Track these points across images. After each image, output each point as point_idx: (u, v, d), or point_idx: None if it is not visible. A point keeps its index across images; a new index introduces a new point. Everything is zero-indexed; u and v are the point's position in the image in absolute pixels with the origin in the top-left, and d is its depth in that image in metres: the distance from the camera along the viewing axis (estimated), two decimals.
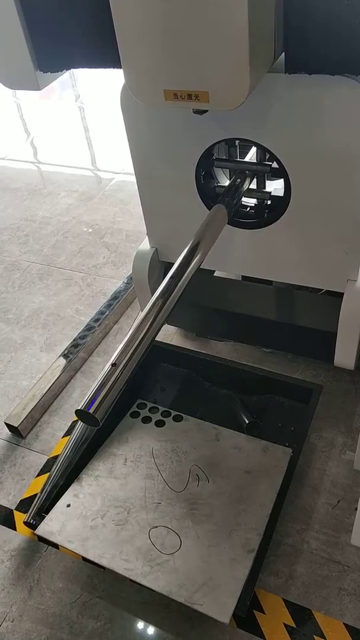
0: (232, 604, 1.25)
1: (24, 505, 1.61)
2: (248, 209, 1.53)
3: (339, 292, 1.49)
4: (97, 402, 0.91)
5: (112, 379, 0.95)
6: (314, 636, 1.28)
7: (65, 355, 2.02)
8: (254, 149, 1.49)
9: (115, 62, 1.06)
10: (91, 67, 1.17)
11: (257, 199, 1.50)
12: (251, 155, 1.51)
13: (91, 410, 0.90)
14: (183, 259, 1.20)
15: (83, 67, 1.19)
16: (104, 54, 1.09)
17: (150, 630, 1.34)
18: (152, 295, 1.13)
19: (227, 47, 0.93)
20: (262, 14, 0.96)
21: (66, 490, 1.51)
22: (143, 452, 1.60)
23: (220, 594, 1.27)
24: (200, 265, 1.22)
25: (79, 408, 0.91)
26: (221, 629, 1.31)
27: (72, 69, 1.22)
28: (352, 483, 1.55)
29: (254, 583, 1.31)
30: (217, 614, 1.24)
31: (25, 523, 1.49)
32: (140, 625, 1.35)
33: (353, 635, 1.28)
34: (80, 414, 0.92)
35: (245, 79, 0.95)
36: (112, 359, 0.98)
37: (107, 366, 0.97)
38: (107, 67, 1.14)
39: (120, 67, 1.05)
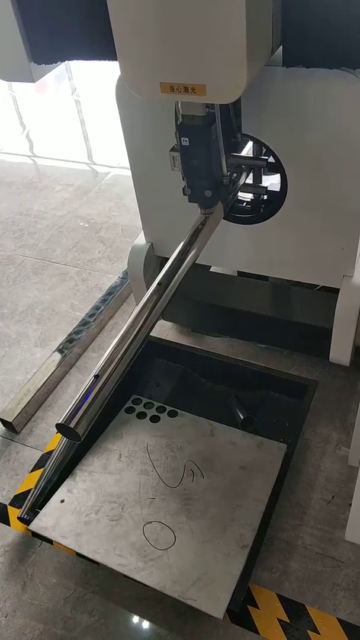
0: (226, 599, 1.25)
1: (18, 500, 1.60)
2: (244, 204, 1.52)
3: (334, 288, 1.49)
4: (78, 416, 0.89)
5: (94, 391, 0.92)
6: (308, 631, 1.29)
7: (60, 351, 2.01)
8: (250, 143, 1.48)
9: (110, 54, 1.04)
10: (86, 59, 1.16)
11: (254, 194, 1.50)
12: (248, 150, 1.50)
13: (72, 425, 0.88)
14: (178, 253, 1.20)
15: (78, 59, 1.17)
16: (99, 45, 1.08)
17: (144, 625, 1.34)
18: (148, 290, 1.13)
19: (224, 40, 0.91)
20: (259, 6, 0.94)
21: (60, 486, 1.51)
22: (138, 447, 1.60)
23: (214, 589, 1.27)
24: (195, 260, 1.21)
25: (59, 422, 0.89)
26: (215, 624, 1.31)
27: (67, 61, 1.21)
28: (347, 479, 1.56)
29: (248, 578, 1.31)
30: (210, 609, 1.24)
31: (19, 518, 1.48)
32: (134, 620, 1.35)
33: (346, 630, 1.28)
34: (61, 428, 0.90)
35: (243, 72, 0.94)
36: (95, 371, 0.95)
37: (90, 378, 0.94)
38: (102, 60, 1.13)
39: (116, 60, 1.03)
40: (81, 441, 0.91)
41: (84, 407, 0.90)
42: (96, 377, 0.95)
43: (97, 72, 4.11)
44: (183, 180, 1.24)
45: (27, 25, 1.12)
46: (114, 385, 0.96)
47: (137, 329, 1.05)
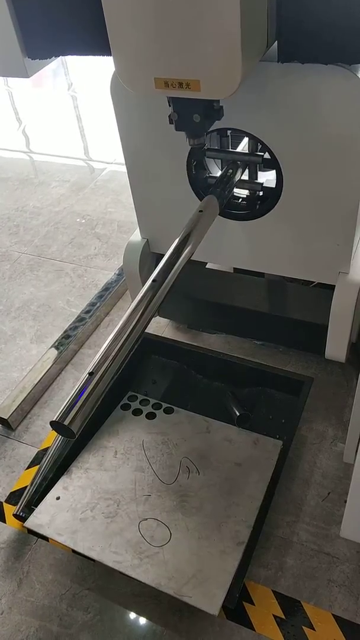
0: (222, 596, 1.25)
1: (13, 497, 1.60)
2: (240, 200, 1.51)
3: (330, 285, 1.48)
4: (72, 413, 0.88)
5: (89, 388, 0.91)
6: (303, 627, 1.29)
7: (55, 347, 2.01)
8: (246, 139, 1.48)
9: (105, 49, 1.04)
10: (81, 54, 1.15)
11: (249, 190, 1.49)
12: (243, 146, 1.50)
13: (66, 422, 0.87)
14: (174, 250, 1.19)
15: (72, 54, 1.16)
16: (94, 40, 1.07)
17: (140, 622, 1.34)
18: (143, 287, 1.12)
19: (218, 35, 0.91)
20: (254, 1, 0.94)
21: (56, 483, 1.51)
22: (133, 444, 1.60)
23: (209, 586, 1.27)
24: (191, 256, 1.21)
25: (54, 419, 0.88)
26: (211, 621, 1.31)
27: (62, 57, 1.19)
28: (343, 475, 1.56)
29: (244, 575, 1.31)
30: (206, 606, 1.24)
31: (15, 515, 1.48)
32: (130, 617, 1.35)
33: (341, 626, 1.29)
34: (56, 425, 0.89)
35: (237, 67, 0.93)
36: (89, 368, 0.94)
37: (84, 375, 0.93)
38: (97, 55, 1.12)
39: (111, 55, 1.03)
40: (76, 438, 0.91)
41: (79, 404, 0.90)
42: (90, 374, 0.94)
43: (94, 68, 4.09)
44: (169, 106, 1.15)
45: (21, 19, 1.11)
46: (108, 382, 0.95)
47: (132, 326, 1.04)
